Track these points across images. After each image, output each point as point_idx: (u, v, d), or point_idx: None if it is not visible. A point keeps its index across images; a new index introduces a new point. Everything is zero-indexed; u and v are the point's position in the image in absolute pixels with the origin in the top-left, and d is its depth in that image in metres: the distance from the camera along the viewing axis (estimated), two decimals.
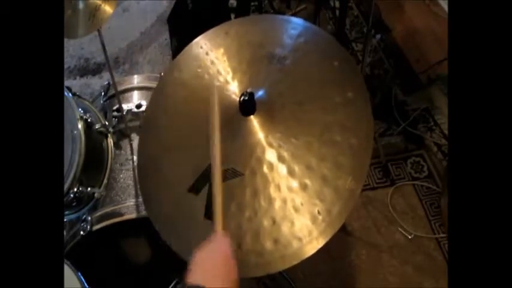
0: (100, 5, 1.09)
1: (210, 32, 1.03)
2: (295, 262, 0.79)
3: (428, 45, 2.18)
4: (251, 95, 0.88)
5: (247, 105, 0.88)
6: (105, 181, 1.26)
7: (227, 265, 0.70)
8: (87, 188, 1.18)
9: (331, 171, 0.82)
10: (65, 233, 1.28)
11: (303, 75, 0.93)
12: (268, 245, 0.80)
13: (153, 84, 1.45)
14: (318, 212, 0.80)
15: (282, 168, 0.84)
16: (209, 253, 0.71)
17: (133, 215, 1.22)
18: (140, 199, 1.23)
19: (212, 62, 0.99)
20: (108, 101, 1.45)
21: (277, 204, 0.82)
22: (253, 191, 0.84)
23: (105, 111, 1.42)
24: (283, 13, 2.35)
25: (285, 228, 0.81)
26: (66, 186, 1.10)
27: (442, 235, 1.66)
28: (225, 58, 0.98)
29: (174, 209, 0.90)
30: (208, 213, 0.75)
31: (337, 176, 0.81)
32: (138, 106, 1.37)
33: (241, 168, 0.86)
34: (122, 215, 1.22)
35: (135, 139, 1.36)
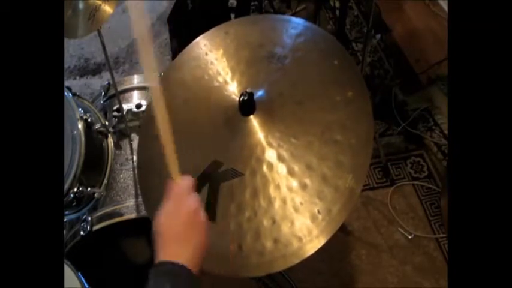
0: (100, 5, 1.09)
1: (209, 32, 1.03)
2: (295, 262, 0.79)
3: (428, 45, 2.18)
4: (251, 95, 0.88)
5: (247, 105, 0.88)
6: (105, 181, 1.26)
7: (193, 222, 0.65)
8: (87, 188, 1.18)
9: (331, 170, 0.82)
10: (65, 233, 1.28)
11: (302, 75, 0.93)
12: (269, 244, 0.80)
13: None
14: (318, 212, 0.80)
15: (282, 168, 0.84)
16: (171, 216, 0.66)
17: (133, 215, 1.22)
18: (140, 199, 1.23)
19: (212, 63, 0.99)
20: (108, 101, 1.45)
21: (277, 203, 0.82)
22: (253, 191, 0.84)
23: (105, 111, 1.42)
24: (283, 13, 2.35)
25: (285, 227, 0.81)
26: (66, 186, 1.10)
27: (442, 235, 1.66)
28: (224, 58, 0.98)
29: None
30: (207, 213, 0.75)
31: (337, 175, 0.81)
32: (138, 106, 1.37)
33: (241, 168, 0.86)
34: (121, 215, 1.22)
35: (135, 139, 1.36)
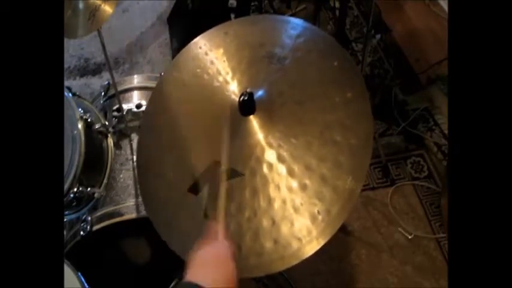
0: (100, 5, 1.09)
1: (209, 32, 1.03)
2: (294, 262, 0.79)
3: (428, 45, 2.18)
4: (251, 95, 0.88)
5: (247, 106, 0.88)
6: (105, 181, 1.26)
7: (227, 266, 0.70)
8: (87, 188, 1.18)
9: (331, 171, 0.82)
10: (65, 233, 1.28)
11: (302, 75, 0.93)
12: (268, 245, 0.80)
13: (153, 84, 1.45)
14: (318, 212, 0.80)
15: (282, 169, 0.84)
16: (210, 253, 0.71)
17: (133, 215, 1.22)
18: (140, 199, 1.23)
19: (212, 62, 0.99)
20: (108, 101, 1.45)
21: (277, 204, 0.82)
22: (253, 191, 0.84)
23: (105, 111, 1.42)
24: (283, 13, 2.35)
25: (284, 228, 0.81)
26: (66, 186, 1.10)
27: (442, 235, 1.66)
28: (224, 58, 0.98)
29: (174, 209, 0.90)
30: (207, 213, 0.76)
31: (336, 176, 0.81)
32: (138, 106, 1.37)
33: (241, 168, 0.86)
34: (121, 215, 1.22)
35: (135, 139, 1.36)
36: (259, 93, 0.91)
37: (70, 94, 1.23)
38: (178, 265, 0.79)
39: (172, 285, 1.18)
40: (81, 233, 1.19)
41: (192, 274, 0.67)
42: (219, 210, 0.78)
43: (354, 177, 0.81)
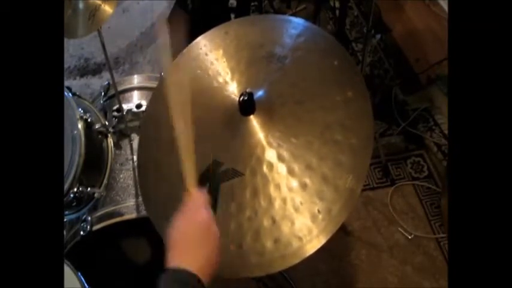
0: (100, 5, 1.09)
1: (209, 33, 1.03)
2: (295, 261, 0.79)
3: (428, 45, 2.18)
4: (250, 95, 0.88)
5: (247, 105, 0.88)
6: (105, 181, 1.26)
7: (206, 234, 0.67)
8: (87, 188, 1.18)
9: (331, 170, 0.82)
10: (65, 233, 1.28)
11: (302, 75, 0.93)
12: (269, 244, 0.80)
13: (153, 84, 1.45)
14: (318, 211, 0.80)
15: (282, 168, 0.84)
16: (188, 226, 0.68)
17: (133, 215, 1.22)
18: (140, 199, 1.23)
19: (212, 63, 0.99)
20: (108, 101, 1.45)
21: (277, 203, 0.82)
22: (253, 190, 0.84)
23: (105, 111, 1.42)
24: (283, 13, 2.35)
25: (285, 227, 0.81)
26: (66, 186, 1.10)
27: (442, 235, 1.66)
28: (224, 58, 0.98)
29: (174, 209, 0.90)
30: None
31: (337, 175, 0.81)
32: (138, 106, 1.37)
33: (241, 168, 0.86)
34: (122, 215, 1.22)
35: (135, 139, 1.36)
36: (259, 93, 0.91)
37: (70, 94, 1.23)
38: None
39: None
40: (81, 233, 1.19)
41: (175, 256, 0.64)
42: (185, 173, 0.72)
43: (354, 176, 0.81)
